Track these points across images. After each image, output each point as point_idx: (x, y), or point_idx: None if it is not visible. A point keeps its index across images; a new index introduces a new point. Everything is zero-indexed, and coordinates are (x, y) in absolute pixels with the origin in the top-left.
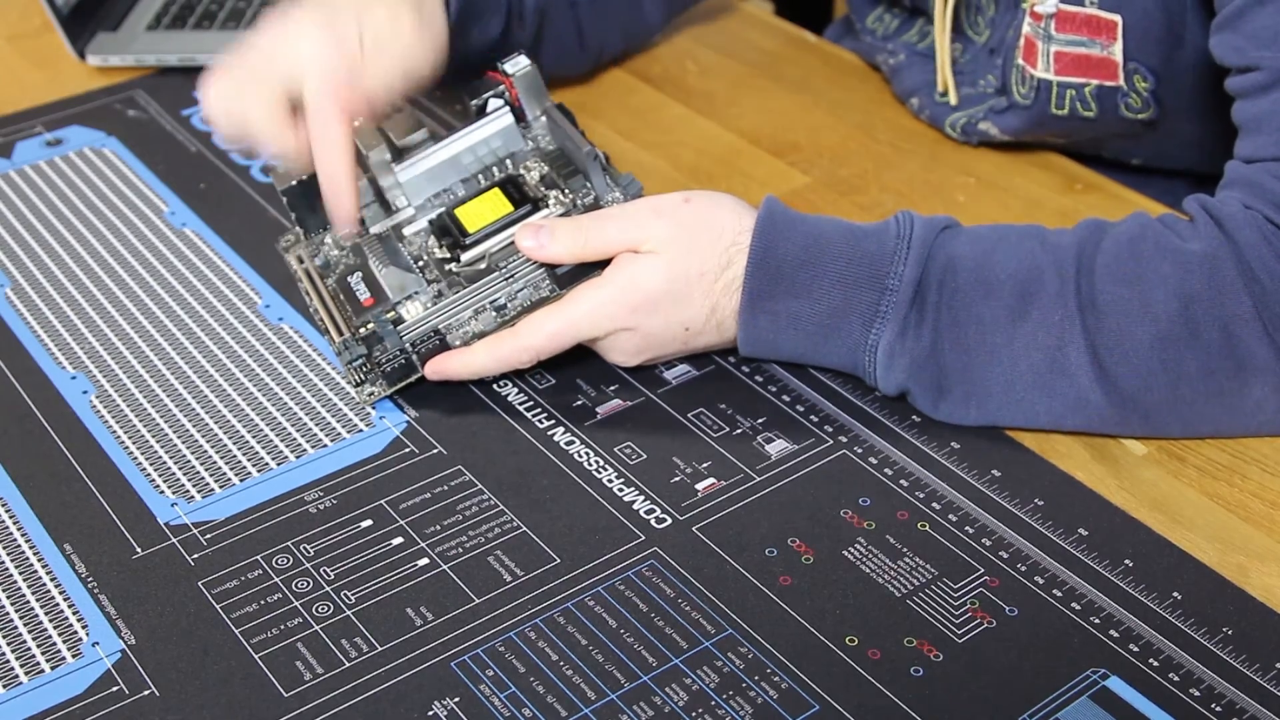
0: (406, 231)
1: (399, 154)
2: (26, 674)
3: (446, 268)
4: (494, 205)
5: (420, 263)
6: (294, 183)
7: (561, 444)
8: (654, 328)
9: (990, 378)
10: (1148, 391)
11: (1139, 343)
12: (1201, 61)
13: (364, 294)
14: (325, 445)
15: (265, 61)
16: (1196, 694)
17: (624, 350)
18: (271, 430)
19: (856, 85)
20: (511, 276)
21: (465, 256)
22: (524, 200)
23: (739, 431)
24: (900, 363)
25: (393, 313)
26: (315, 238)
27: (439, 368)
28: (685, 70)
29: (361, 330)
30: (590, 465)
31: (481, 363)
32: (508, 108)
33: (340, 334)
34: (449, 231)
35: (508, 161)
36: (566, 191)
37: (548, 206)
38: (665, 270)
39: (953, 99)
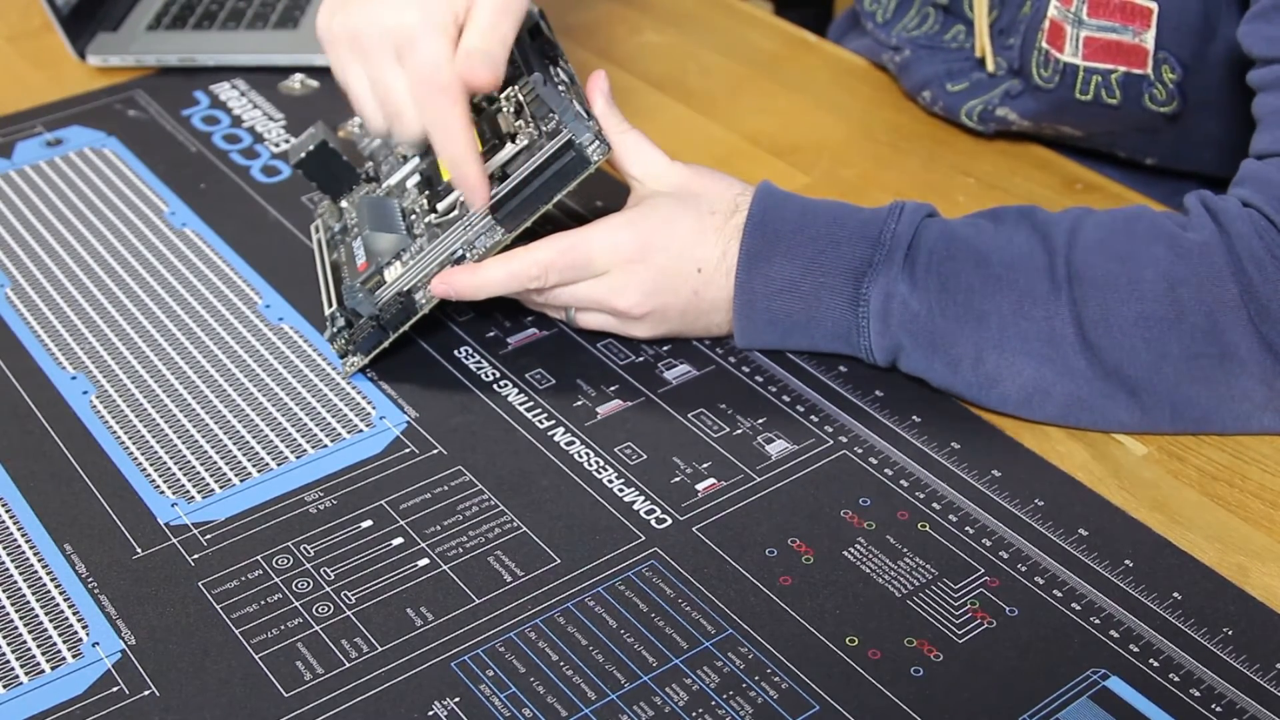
0: (410, 184)
1: None
2: (26, 674)
3: (426, 220)
4: None
5: (413, 217)
6: (303, 154)
7: (561, 444)
8: (665, 263)
9: (983, 340)
10: (1130, 367)
11: (1123, 319)
12: (1232, 57)
13: (361, 258)
14: (325, 445)
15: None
16: (1196, 694)
17: (633, 288)
18: (271, 430)
19: (857, 85)
20: (469, 226)
21: (440, 206)
22: (494, 138)
23: (739, 431)
24: (894, 307)
25: (377, 276)
26: (339, 202)
27: (449, 284)
28: (685, 70)
29: (348, 302)
30: (590, 465)
31: (494, 275)
32: None
33: (330, 306)
34: (431, 182)
35: (507, 91)
36: (530, 121)
37: (512, 144)
38: (678, 203)
39: (989, 66)
